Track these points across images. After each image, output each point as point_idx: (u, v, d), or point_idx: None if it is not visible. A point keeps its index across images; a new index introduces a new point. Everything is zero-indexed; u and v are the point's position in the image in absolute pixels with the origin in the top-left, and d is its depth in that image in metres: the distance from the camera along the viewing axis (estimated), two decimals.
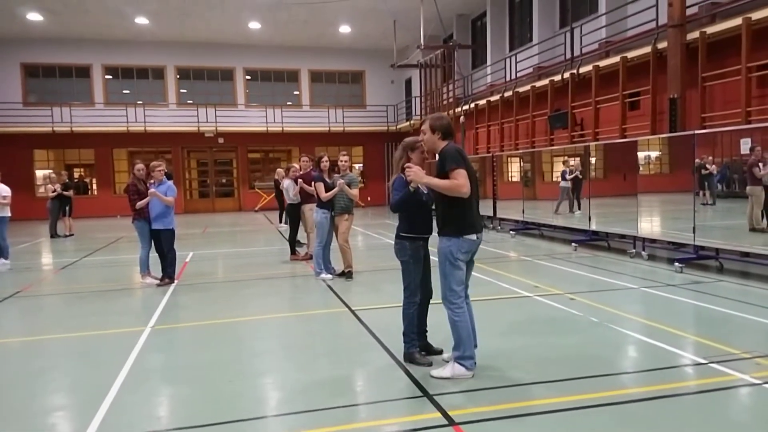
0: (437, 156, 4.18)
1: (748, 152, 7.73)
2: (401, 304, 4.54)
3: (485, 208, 15.43)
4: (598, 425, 3.40)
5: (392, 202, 4.43)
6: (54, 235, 15.37)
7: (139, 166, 8.32)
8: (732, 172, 8.38)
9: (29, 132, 23.00)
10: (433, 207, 4.42)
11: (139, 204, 8.06)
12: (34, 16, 20.57)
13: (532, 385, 4.01)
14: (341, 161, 8.07)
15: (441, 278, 4.16)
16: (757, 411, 3.62)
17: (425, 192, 4.35)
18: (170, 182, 8.22)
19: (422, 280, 4.55)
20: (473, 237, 4.12)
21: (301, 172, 9.89)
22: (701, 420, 3.46)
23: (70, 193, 15.79)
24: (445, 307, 4.19)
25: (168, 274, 8.25)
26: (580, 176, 11.55)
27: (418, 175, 4.07)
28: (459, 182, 3.92)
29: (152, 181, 8.13)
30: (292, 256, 10.29)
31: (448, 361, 4.33)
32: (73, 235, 15.73)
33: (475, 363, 4.22)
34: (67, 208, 15.78)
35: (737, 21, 9.32)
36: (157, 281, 8.20)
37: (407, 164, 4.18)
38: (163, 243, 8.15)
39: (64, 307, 7.33)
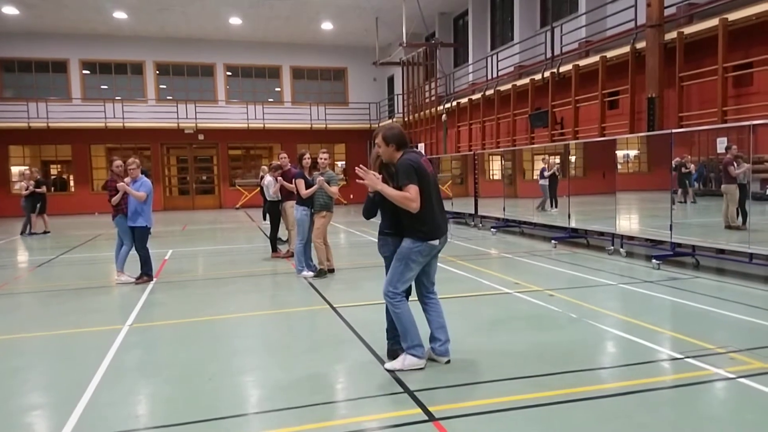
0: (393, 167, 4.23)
1: (723, 151, 7.87)
2: (383, 301, 4.54)
3: (467, 206, 15.52)
4: (576, 420, 3.44)
5: (363, 211, 4.52)
6: (23, 233, 15.06)
7: (118, 162, 8.20)
8: (708, 171, 8.52)
9: (4, 128, 22.53)
10: None
11: (114, 200, 7.95)
12: (9, 10, 20.15)
13: (512, 380, 4.04)
14: (321, 159, 8.04)
15: (391, 272, 4.26)
16: (731, 405, 3.70)
17: (370, 193, 4.38)
18: (145, 179, 8.08)
19: None
20: (436, 242, 4.22)
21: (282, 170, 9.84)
22: (677, 414, 3.52)
23: (43, 189, 15.46)
24: (385, 299, 4.27)
25: (145, 272, 8.15)
26: (558, 174, 11.67)
27: (372, 181, 4.11)
28: (409, 197, 4.01)
29: (128, 178, 8.02)
30: (273, 254, 10.24)
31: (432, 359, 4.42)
32: (49, 232, 15.47)
33: (425, 350, 4.33)
34: (39, 205, 15.43)
35: (714, 22, 9.47)
36: (133, 280, 8.11)
37: (359, 169, 4.18)
38: (135, 240, 8.06)
39: (41, 305, 7.21)
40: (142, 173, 8.18)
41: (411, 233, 4.16)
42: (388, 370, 4.26)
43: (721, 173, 7.89)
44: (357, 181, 4.24)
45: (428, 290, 4.44)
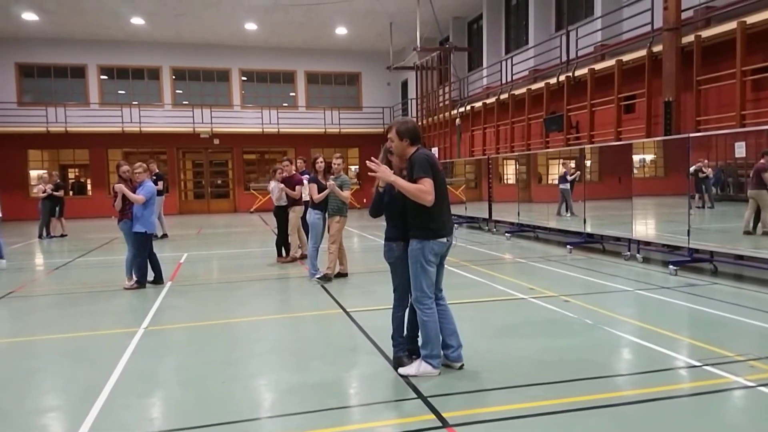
0: (407, 161, 4.18)
1: (743, 155, 7.74)
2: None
3: (481, 211, 15.45)
4: (592, 427, 3.39)
5: (369, 208, 4.47)
6: (41, 236, 15.24)
7: (125, 167, 8.14)
8: (726, 176, 8.40)
9: (24, 132, 22.89)
10: None
11: (116, 204, 7.88)
12: (29, 16, 20.48)
13: (527, 387, 4.00)
14: (335, 163, 8.04)
15: (411, 279, 4.21)
16: (751, 413, 3.63)
17: (380, 187, 4.32)
18: (148, 183, 8.06)
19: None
20: (443, 240, 4.18)
21: (284, 175, 9.85)
22: (695, 422, 3.46)
23: (61, 193, 15.64)
24: (416, 306, 4.25)
25: (137, 278, 8.01)
26: (577, 179, 11.55)
27: (385, 173, 4.06)
28: (425, 189, 3.98)
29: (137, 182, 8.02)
30: (279, 258, 10.23)
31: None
32: (66, 235, 15.65)
33: (441, 362, 4.32)
34: (58, 208, 15.63)
35: (732, 25, 9.36)
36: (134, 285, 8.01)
37: (371, 162, 4.14)
38: (134, 246, 7.94)
39: (57, 307, 7.28)
40: (157, 177, 8.19)
41: (419, 232, 4.13)
42: (401, 376, 4.23)
43: (751, 178, 7.68)
44: (369, 174, 4.17)
45: (436, 297, 4.37)
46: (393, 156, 4.34)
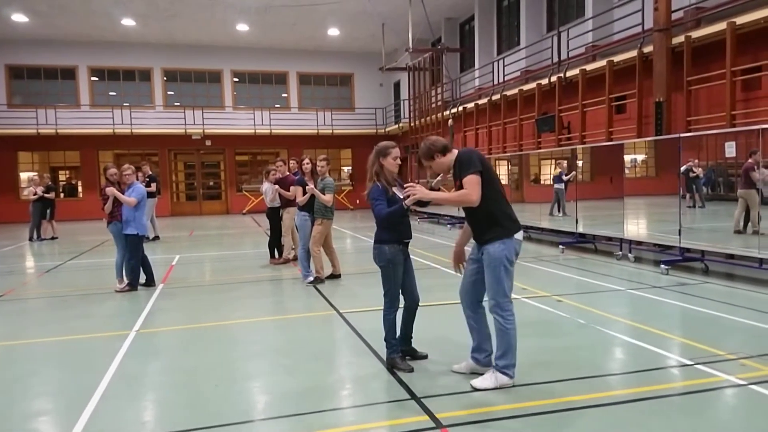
0: (452, 167, 4.02)
1: (733, 155, 7.80)
2: None
3: None
4: (585, 427, 3.40)
5: (379, 214, 4.25)
6: (31, 238, 15.12)
7: (112, 171, 8.05)
8: (717, 175, 8.46)
9: (13, 134, 22.71)
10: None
11: (107, 207, 7.85)
12: (19, 17, 20.33)
13: (520, 387, 4.00)
14: (319, 165, 8.00)
15: (493, 285, 3.92)
16: (742, 412, 3.65)
17: (406, 204, 4.20)
18: (138, 184, 8.02)
19: (407, 287, 4.50)
20: (520, 236, 4.00)
21: (278, 176, 9.82)
22: (687, 421, 3.47)
23: (52, 195, 15.53)
24: (495, 315, 3.97)
25: (130, 281, 7.98)
26: (571, 179, 11.59)
27: (423, 192, 3.90)
28: (465, 191, 3.81)
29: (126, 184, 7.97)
30: (271, 260, 10.20)
31: (458, 372, 4.26)
32: (57, 237, 15.55)
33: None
34: (48, 211, 15.52)
35: (722, 25, 9.42)
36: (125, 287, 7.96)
37: (408, 185, 3.96)
38: (127, 249, 7.90)
39: (48, 310, 7.24)
40: (150, 179, 8.16)
41: (499, 232, 3.89)
42: (476, 389, 3.95)
43: (739, 177, 7.76)
44: (410, 197, 3.93)
45: (479, 302, 4.22)
46: (385, 159, 4.33)
